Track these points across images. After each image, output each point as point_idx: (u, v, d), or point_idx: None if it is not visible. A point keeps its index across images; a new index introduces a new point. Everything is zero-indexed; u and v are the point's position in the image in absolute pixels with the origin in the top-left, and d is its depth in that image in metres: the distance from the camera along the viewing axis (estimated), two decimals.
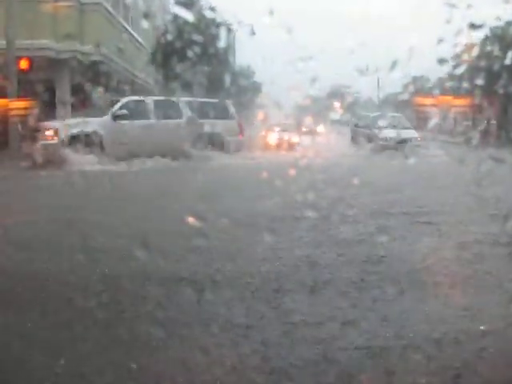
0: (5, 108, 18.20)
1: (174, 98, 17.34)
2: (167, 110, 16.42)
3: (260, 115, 35.07)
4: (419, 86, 34.80)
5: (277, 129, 25.49)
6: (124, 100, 16.24)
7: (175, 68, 25.15)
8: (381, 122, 22.39)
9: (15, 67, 17.95)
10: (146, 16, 27.21)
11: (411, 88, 33.87)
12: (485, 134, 23.84)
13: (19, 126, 18.36)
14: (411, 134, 21.44)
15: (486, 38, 24.24)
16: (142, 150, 14.70)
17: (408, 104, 27.69)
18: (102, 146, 14.87)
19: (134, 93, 27.85)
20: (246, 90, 33.97)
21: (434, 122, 22.18)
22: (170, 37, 25.38)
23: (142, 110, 16.12)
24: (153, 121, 16.09)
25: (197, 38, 25.31)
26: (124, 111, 15.67)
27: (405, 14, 78.49)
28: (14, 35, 17.58)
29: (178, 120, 16.36)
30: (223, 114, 17.35)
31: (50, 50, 19.18)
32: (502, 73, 20.87)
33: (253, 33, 30.45)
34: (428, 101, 24.30)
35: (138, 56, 25.56)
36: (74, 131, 14.74)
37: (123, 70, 23.26)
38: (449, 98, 23.54)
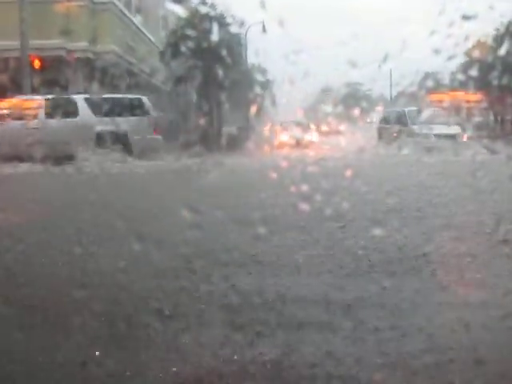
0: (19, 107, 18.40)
1: (73, 95, 15.97)
2: (60, 108, 15.15)
3: (268, 113, 34.55)
4: (432, 82, 34.59)
5: (289, 127, 24.84)
6: (7, 100, 15.47)
7: (183, 66, 25.29)
8: (421, 117, 19.63)
9: (28, 67, 18.15)
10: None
11: (423, 84, 33.65)
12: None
13: None
14: (457, 129, 19.16)
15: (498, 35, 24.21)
16: (20, 152, 13.58)
17: (419, 99, 27.59)
18: None
19: (146, 91, 28.06)
20: (255, 87, 33.95)
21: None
22: (178, 35, 25.49)
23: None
24: (36, 121, 14.96)
25: (206, 35, 25.40)
26: None
27: (407, 7, 78.03)
28: (27, 35, 17.79)
29: (71, 119, 15.07)
30: (134, 110, 15.68)
31: (63, 49, 19.38)
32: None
33: (264, 30, 30.50)
34: (440, 96, 24.21)
35: (149, 54, 25.72)
36: None
37: (135, 69, 23.43)
38: (461, 94, 23.43)
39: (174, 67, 26.05)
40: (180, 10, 27.81)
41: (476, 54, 22.61)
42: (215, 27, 25.54)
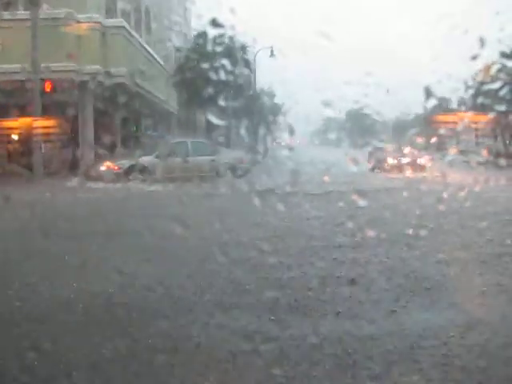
0: (28, 127, 18.68)
1: None
2: None
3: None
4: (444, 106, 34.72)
5: None
6: None
7: (196, 91, 25.57)
8: None
9: (39, 89, 18.35)
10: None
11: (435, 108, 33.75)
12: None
13: (42, 146, 18.80)
14: None
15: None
16: None
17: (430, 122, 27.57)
18: None
19: (155, 115, 28.37)
20: (266, 112, 34.19)
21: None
22: (190, 59, 25.91)
23: None
24: None
25: (219, 60, 25.74)
26: None
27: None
28: (38, 57, 18.07)
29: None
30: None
31: (73, 72, 19.58)
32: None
33: (272, 54, 30.86)
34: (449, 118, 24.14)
35: (159, 78, 26.00)
36: None
37: (145, 93, 23.64)
38: (469, 115, 23.36)
39: (184, 92, 26.38)
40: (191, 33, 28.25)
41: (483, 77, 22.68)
42: (225, 55, 25.89)
